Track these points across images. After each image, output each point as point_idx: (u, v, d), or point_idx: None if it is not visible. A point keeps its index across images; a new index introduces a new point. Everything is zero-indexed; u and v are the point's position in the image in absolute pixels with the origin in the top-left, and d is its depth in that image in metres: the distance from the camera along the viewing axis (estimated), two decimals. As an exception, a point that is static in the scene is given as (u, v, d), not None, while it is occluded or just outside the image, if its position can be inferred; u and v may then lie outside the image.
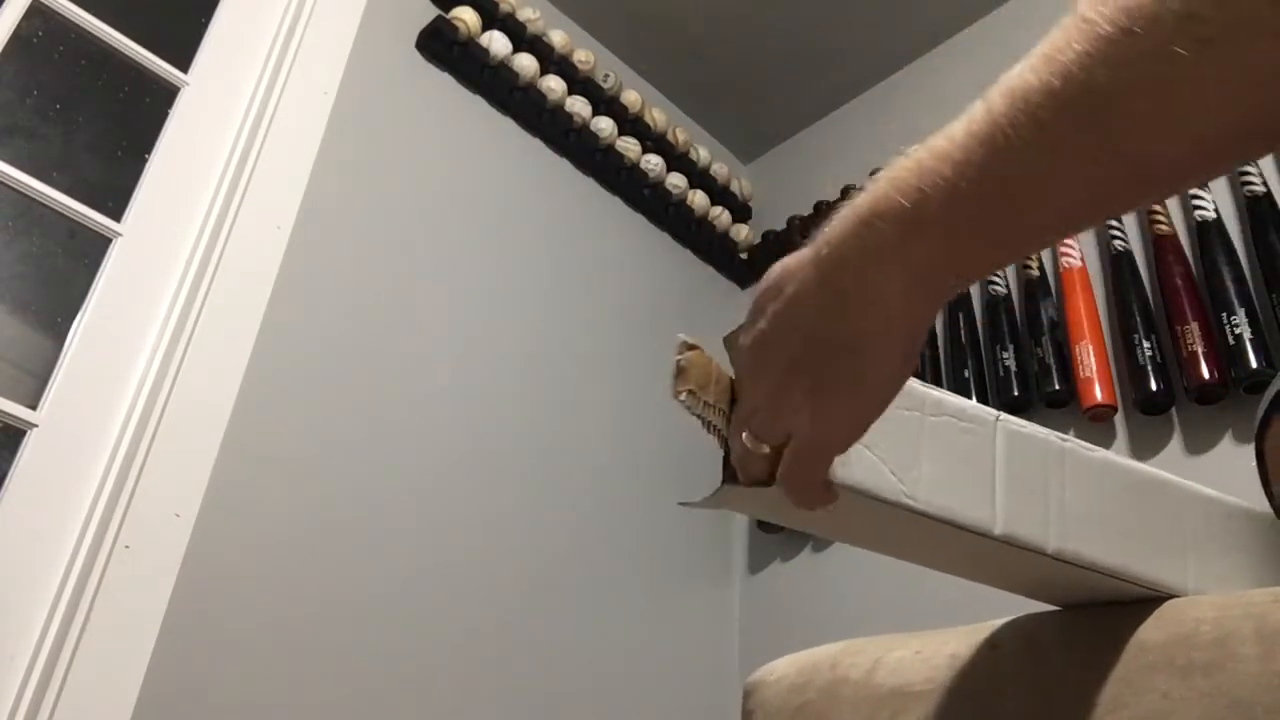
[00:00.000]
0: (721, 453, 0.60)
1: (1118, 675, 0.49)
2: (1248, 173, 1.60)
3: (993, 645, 0.53)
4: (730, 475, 0.59)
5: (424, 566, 1.58)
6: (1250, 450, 0.66)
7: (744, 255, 2.40)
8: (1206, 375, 1.47)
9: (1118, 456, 0.62)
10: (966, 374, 1.78)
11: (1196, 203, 1.63)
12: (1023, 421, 0.61)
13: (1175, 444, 1.55)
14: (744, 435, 0.56)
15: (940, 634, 0.57)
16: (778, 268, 0.54)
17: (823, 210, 2.26)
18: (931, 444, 0.55)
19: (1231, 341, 1.47)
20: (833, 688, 0.56)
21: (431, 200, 1.86)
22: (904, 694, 0.53)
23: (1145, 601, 0.54)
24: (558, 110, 2.10)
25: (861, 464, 0.55)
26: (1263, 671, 0.49)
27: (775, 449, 0.55)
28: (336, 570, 1.48)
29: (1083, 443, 0.62)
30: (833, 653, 0.60)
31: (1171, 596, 0.55)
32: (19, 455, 1.33)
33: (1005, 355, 1.74)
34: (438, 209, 1.87)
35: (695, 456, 2.11)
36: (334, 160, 1.72)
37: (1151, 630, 0.50)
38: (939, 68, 2.30)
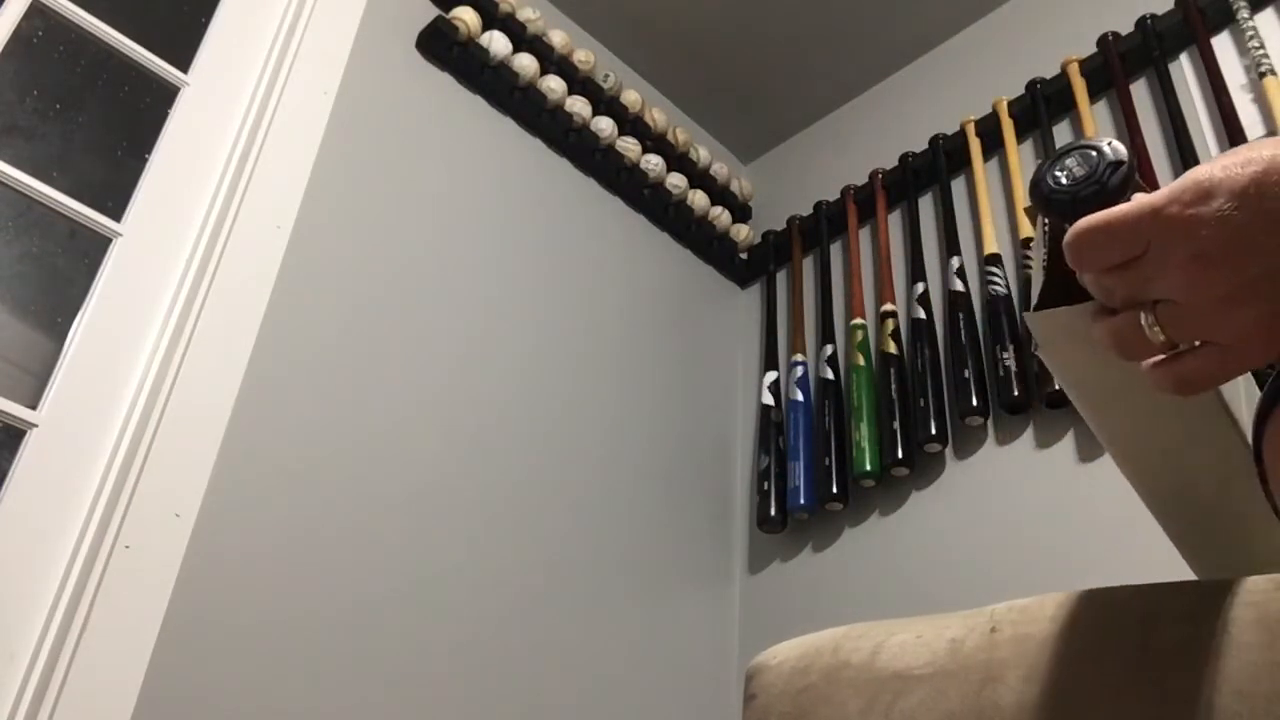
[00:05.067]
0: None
1: (1115, 660, 0.49)
2: (1248, 171, 1.60)
3: (992, 629, 0.53)
4: (1051, 298, 0.56)
5: (424, 566, 1.58)
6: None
7: (744, 255, 2.40)
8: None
9: None
10: (966, 374, 1.78)
11: (1196, 201, 1.63)
12: None
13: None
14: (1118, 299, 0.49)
15: (941, 618, 0.57)
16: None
17: (822, 210, 2.26)
18: None
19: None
20: (834, 671, 0.56)
21: (431, 200, 1.86)
22: (905, 677, 0.53)
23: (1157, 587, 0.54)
24: (558, 110, 2.11)
25: None
26: (1261, 661, 0.49)
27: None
28: (336, 570, 1.48)
29: None
30: (835, 637, 0.60)
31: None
32: (19, 455, 1.33)
33: (1005, 355, 1.74)
34: (438, 209, 1.87)
35: (695, 456, 2.12)
36: (334, 160, 1.72)
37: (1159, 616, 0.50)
38: (938, 68, 2.30)
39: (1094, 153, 0.53)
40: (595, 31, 2.34)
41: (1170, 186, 0.49)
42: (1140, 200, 0.50)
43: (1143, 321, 0.49)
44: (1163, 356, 0.50)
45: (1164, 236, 0.48)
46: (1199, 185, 0.47)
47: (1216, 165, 0.47)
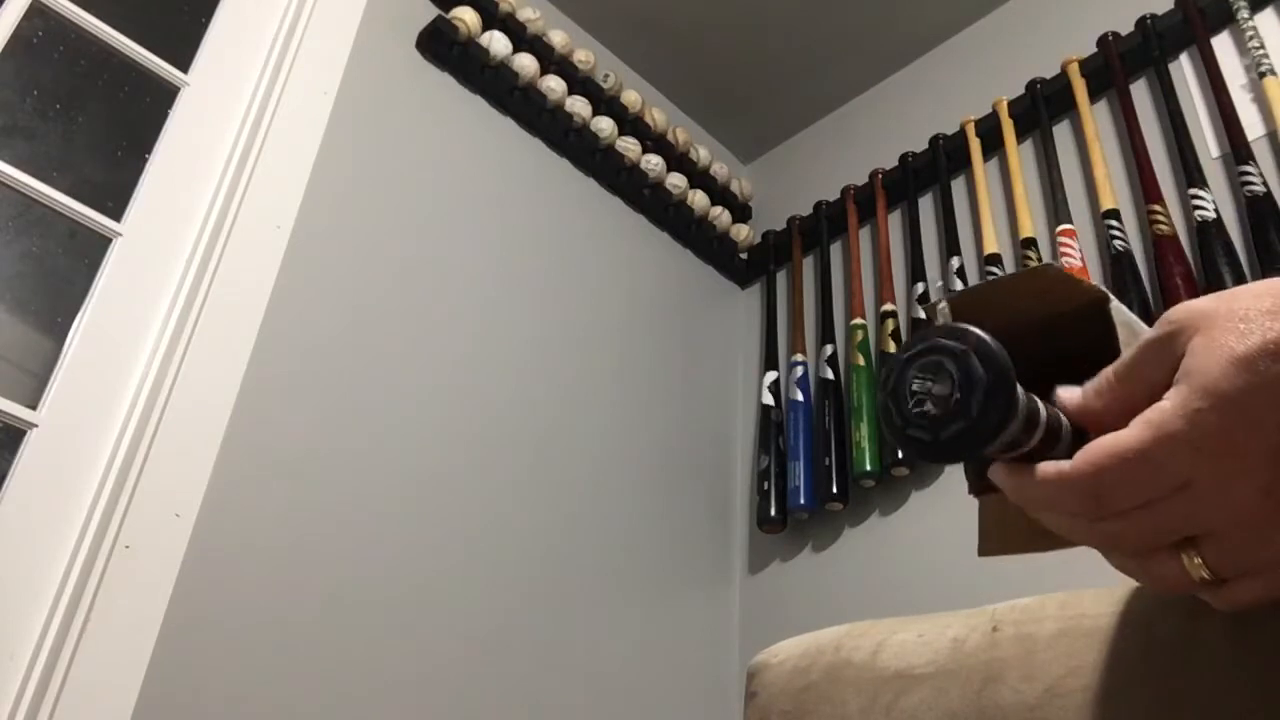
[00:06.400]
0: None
1: (1118, 660, 0.49)
2: (1248, 173, 1.60)
3: (994, 628, 0.53)
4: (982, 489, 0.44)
5: (424, 565, 1.58)
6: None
7: (744, 255, 2.40)
8: (1207, 373, 1.46)
9: None
10: (967, 373, 1.77)
11: (1196, 203, 1.63)
12: None
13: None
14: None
15: (943, 617, 0.57)
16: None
17: (822, 210, 2.26)
18: None
19: (1232, 340, 1.46)
20: (836, 670, 0.56)
21: (431, 200, 1.86)
22: (906, 676, 0.53)
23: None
24: (558, 110, 2.11)
25: None
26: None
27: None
28: (336, 570, 1.48)
29: None
30: (836, 635, 0.60)
31: None
32: (19, 455, 1.32)
33: (1006, 354, 1.74)
34: (438, 209, 1.87)
35: (695, 456, 2.12)
36: (334, 160, 1.72)
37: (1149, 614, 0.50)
38: (939, 68, 2.30)
39: (950, 362, 0.38)
40: (595, 31, 2.34)
41: (1205, 378, 0.34)
42: (1171, 409, 0.35)
43: (1185, 564, 0.39)
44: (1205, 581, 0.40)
45: (1228, 463, 0.35)
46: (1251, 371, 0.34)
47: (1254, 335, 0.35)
